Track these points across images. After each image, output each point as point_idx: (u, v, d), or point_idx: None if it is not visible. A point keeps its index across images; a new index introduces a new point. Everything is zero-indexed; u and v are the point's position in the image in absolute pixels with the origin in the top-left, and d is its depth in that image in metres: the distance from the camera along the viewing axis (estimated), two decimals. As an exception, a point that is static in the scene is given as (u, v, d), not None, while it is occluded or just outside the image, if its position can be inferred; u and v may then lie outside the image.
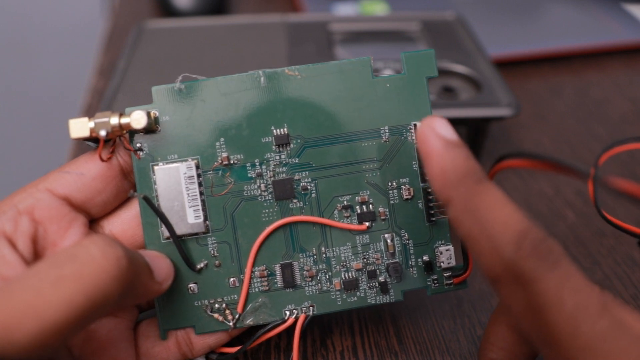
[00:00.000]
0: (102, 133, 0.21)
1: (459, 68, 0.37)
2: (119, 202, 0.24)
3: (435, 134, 0.20)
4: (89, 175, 0.22)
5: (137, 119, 0.22)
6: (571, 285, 0.17)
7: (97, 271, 0.17)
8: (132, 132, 0.23)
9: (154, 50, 0.39)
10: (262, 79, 0.23)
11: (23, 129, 1.09)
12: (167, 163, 0.23)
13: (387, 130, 0.24)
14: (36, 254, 0.21)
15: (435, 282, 0.24)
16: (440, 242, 0.24)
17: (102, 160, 0.22)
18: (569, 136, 0.40)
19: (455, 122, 0.34)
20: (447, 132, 0.20)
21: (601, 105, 0.44)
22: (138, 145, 0.23)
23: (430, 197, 0.24)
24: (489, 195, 0.18)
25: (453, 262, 0.24)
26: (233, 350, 0.24)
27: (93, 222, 0.23)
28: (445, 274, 0.24)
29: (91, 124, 0.22)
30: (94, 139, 0.22)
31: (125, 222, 0.23)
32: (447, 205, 0.19)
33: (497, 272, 0.18)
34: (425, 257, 0.24)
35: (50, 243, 0.21)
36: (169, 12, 0.53)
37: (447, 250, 0.24)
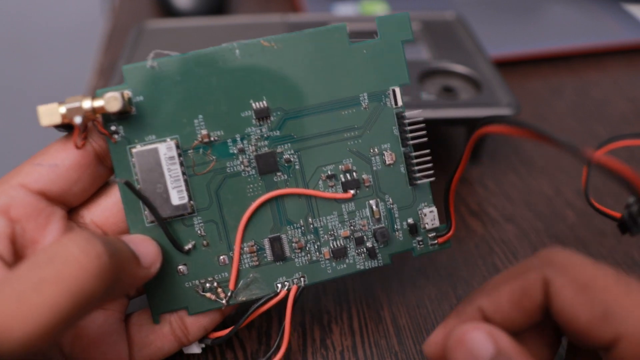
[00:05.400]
0: (77, 120, 0.20)
1: (459, 68, 0.37)
2: (97, 188, 0.23)
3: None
4: (62, 166, 0.21)
5: (111, 101, 0.20)
6: None
7: (78, 270, 0.17)
8: (106, 115, 0.22)
9: (154, 50, 0.39)
10: (237, 51, 0.23)
11: (23, 129, 1.09)
12: (145, 145, 0.22)
13: (366, 97, 0.24)
14: (16, 254, 0.20)
15: (421, 243, 0.25)
16: (423, 204, 0.25)
17: (77, 147, 0.21)
18: (569, 136, 0.40)
19: (455, 122, 0.35)
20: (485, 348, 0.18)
21: (601, 105, 0.44)
22: (112, 128, 0.22)
23: (412, 161, 0.25)
24: None
25: (437, 223, 0.25)
26: (226, 332, 0.24)
27: (72, 211, 0.23)
28: (430, 235, 0.25)
29: (62, 110, 0.20)
30: (65, 125, 0.21)
31: (107, 210, 0.23)
32: None
33: None
34: (410, 220, 0.25)
35: (29, 241, 0.21)
36: (169, 12, 0.53)
37: (430, 211, 0.25)
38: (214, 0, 0.53)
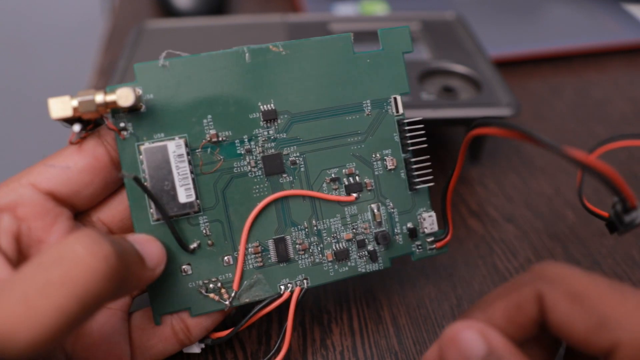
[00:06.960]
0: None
1: (459, 68, 0.37)
2: (109, 193, 0.23)
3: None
4: (75, 168, 0.21)
5: (124, 95, 0.20)
6: None
7: (86, 272, 0.16)
8: (115, 111, 0.22)
9: (154, 50, 0.39)
10: (247, 55, 0.23)
11: (23, 129, 1.10)
12: (153, 142, 0.22)
13: (369, 104, 0.25)
14: (20, 252, 0.20)
15: (420, 247, 0.25)
16: (422, 209, 0.25)
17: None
18: (569, 136, 0.40)
19: (455, 122, 0.35)
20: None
21: (601, 105, 0.44)
22: (122, 125, 0.22)
23: (412, 167, 0.25)
24: None
25: (435, 228, 0.25)
26: (227, 332, 0.24)
27: (80, 212, 0.23)
28: (428, 239, 0.25)
29: (74, 103, 0.20)
30: (76, 119, 0.20)
31: (113, 207, 0.23)
32: None
33: None
34: (410, 224, 0.25)
35: (35, 240, 0.21)
36: (169, 12, 0.53)
37: (429, 216, 0.25)
38: (214, 0, 0.53)
